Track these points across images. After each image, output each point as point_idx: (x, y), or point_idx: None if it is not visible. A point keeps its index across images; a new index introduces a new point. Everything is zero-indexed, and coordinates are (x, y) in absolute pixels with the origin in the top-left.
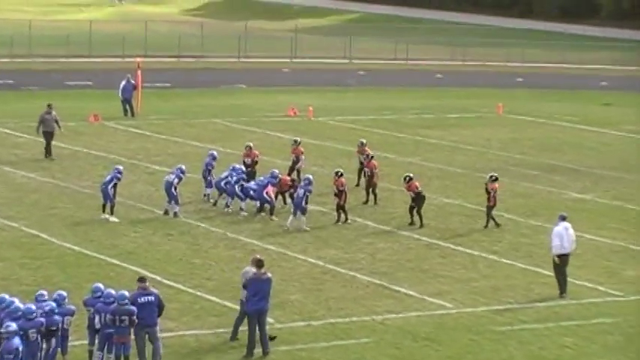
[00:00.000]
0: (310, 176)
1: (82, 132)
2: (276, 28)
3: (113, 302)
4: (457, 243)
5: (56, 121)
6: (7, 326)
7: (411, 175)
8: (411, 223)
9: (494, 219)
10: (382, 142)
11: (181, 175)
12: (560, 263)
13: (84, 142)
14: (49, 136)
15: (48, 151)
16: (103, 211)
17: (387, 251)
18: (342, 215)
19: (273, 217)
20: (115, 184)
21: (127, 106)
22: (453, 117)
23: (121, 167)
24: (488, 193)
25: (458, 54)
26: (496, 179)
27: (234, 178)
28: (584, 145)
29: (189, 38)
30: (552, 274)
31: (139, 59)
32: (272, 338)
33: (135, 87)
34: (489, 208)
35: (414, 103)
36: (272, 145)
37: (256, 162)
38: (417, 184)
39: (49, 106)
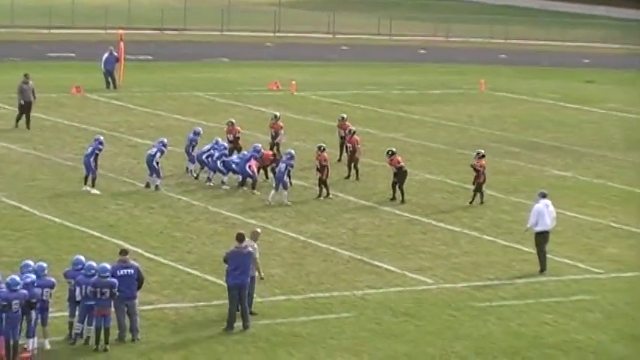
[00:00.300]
0: (292, 151)
1: (63, 103)
2: (260, 2)
3: (94, 275)
4: (438, 219)
5: (32, 91)
6: None
7: (394, 149)
8: (393, 199)
9: (482, 195)
10: (365, 118)
11: (163, 148)
12: (540, 240)
13: (65, 113)
14: (27, 106)
15: (27, 123)
16: (85, 183)
17: (368, 226)
18: (324, 190)
19: (255, 192)
20: (97, 155)
21: (109, 79)
22: (436, 93)
23: (101, 138)
24: (476, 170)
25: (441, 30)
26: (483, 156)
27: (217, 154)
28: (566, 122)
29: (172, 11)
30: (533, 251)
31: (121, 31)
32: (253, 314)
33: (117, 59)
34: (479, 185)
35: (397, 79)
36: (255, 119)
37: (238, 138)
38: (399, 159)
39: (25, 75)
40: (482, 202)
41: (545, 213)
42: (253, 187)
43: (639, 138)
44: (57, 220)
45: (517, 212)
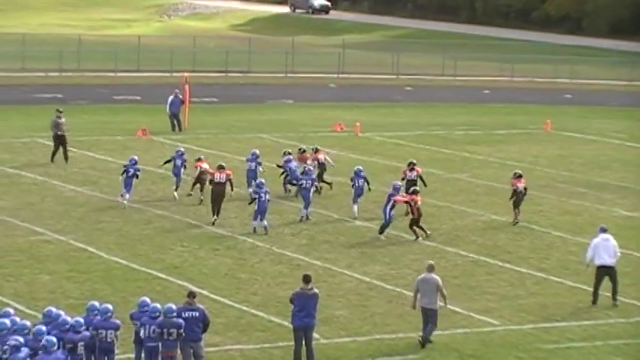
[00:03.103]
0: (311, 167)
1: (129, 146)
2: (323, 44)
3: (159, 316)
4: (504, 260)
5: (64, 126)
6: (14, 340)
7: (417, 189)
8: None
9: (516, 214)
10: (430, 159)
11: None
12: (599, 274)
13: (131, 156)
14: (62, 139)
15: (65, 156)
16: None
17: None
18: (419, 231)
19: (381, 236)
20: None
21: (175, 121)
22: (501, 133)
23: (182, 149)
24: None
25: (506, 70)
26: (520, 176)
27: (309, 183)
28: (633, 162)
29: (237, 53)
30: (600, 292)
31: (186, 74)
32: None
33: (182, 102)
34: (515, 204)
35: (462, 119)
36: None
37: (323, 163)
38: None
39: (58, 110)
40: (516, 222)
41: (602, 247)
42: (382, 231)
43: None
44: (123, 262)
45: (584, 253)
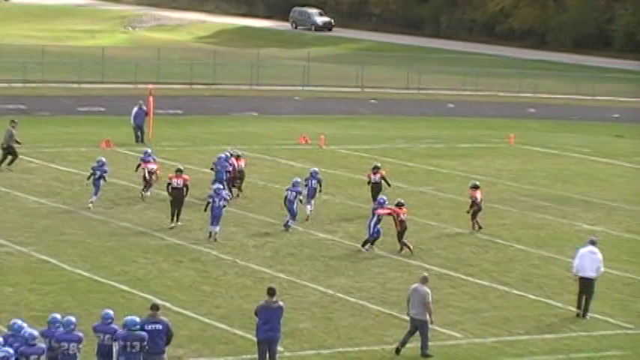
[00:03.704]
0: (298, 179)
1: (93, 158)
2: (289, 56)
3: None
4: (468, 273)
5: (13, 137)
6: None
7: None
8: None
9: (475, 224)
10: (394, 171)
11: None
12: (581, 285)
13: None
14: (14, 150)
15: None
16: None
17: (397, 280)
18: (404, 247)
19: (364, 248)
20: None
21: (139, 133)
22: (465, 147)
23: (103, 159)
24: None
25: (470, 84)
26: (477, 187)
27: (293, 194)
28: (596, 176)
29: (202, 65)
30: (563, 305)
31: (150, 86)
32: None
33: (147, 113)
34: (474, 213)
35: (426, 133)
36: (283, 173)
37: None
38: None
39: (13, 121)
40: (479, 228)
41: (586, 258)
42: (365, 244)
43: None
44: (86, 274)
45: (547, 266)
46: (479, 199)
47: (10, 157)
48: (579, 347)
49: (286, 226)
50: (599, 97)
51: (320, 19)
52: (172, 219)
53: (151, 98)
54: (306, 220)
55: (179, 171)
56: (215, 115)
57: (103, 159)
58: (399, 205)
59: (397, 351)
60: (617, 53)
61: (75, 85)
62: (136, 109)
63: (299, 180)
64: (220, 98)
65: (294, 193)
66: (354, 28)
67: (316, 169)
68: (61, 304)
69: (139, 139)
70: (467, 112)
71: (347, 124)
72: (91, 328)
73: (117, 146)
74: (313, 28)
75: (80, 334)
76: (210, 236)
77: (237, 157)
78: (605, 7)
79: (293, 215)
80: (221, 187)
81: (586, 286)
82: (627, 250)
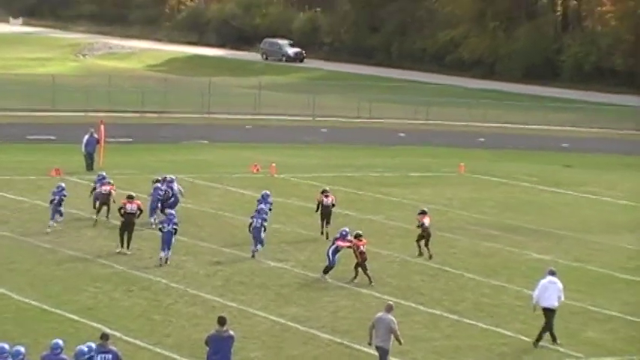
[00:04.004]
0: (263, 206)
1: (42, 186)
2: (240, 84)
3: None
4: (418, 302)
5: None
6: None
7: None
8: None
9: (425, 251)
10: (344, 200)
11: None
12: (546, 315)
13: (44, 196)
14: None
15: None
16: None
17: (348, 309)
18: (365, 277)
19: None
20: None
21: (90, 160)
22: (415, 175)
23: (63, 184)
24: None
25: (421, 113)
26: (424, 212)
27: (259, 221)
28: (544, 205)
29: (153, 93)
30: (513, 334)
31: (101, 114)
32: None
33: (98, 141)
34: (419, 238)
35: (377, 161)
36: (234, 201)
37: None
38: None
39: None
40: (429, 257)
41: (547, 289)
42: (326, 272)
43: (615, 221)
44: (35, 303)
45: (497, 295)
46: (426, 225)
47: None
48: None
49: (253, 254)
50: (548, 127)
51: (291, 50)
52: (122, 244)
53: (102, 126)
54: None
55: (130, 197)
56: (166, 143)
57: (63, 184)
58: (358, 236)
59: None
60: (565, 83)
61: (25, 113)
62: (87, 136)
63: (264, 207)
64: (171, 126)
65: (259, 221)
66: (305, 57)
67: (268, 192)
68: (9, 333)
69: (90, 166)
70: (417, 141)
71: (298, 153)
72: (40, 358)
73: (67, 174)
74: (284, 59)
75: None
76: (160, 261)
77: (170, 181)
78: (553, 38)
79: (260, 242)
80: (173, 212)
81: (547, 315)
82: (575, 280)
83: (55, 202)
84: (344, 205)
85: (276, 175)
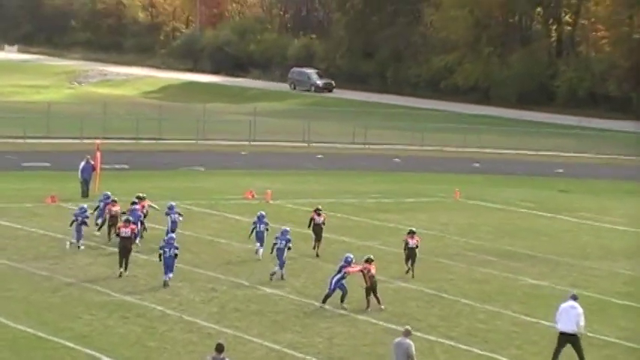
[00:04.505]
0: (287, 228)
1: (38, 213)
2: (235, 111)
3: None
4: (414, 327)
5: None
6: None
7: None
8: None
9: (409, 270)
10: (341, 226)
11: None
12: (560, 340)
13: (40, 223)
14: None
15: None
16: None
17: (343, 335)
18: (374, 300)
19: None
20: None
21: (85, 187)
22: (411, 201)
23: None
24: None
25: (416, 139)
26: (413, 233)
27: (283, 242)
28: (540, 231)
29: (148, 120)
30: (507, 359)
31: (98, 141)
32: None
33: (94, 168)
34: (406, 258)
35: (373, 187)
36: (231, 228)
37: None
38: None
39: None
40: (412, 276)
41: (565, 313)
42: (325, 300)
43: (612, 246)
44: (30, 330)
45: (492, 321)
46: (410, 244)
47: None
48: None
49: (271, 277)
50: (543, 152)
51: (320, 81)
52: (120, 266)
53: (98, 153)
54: (258, 260)
55: (127, 221)
56: (161, 169)
57: (85, 206)
58: (369, 260)
59: None
60: (560, 108)
61: (20, 141)
62: (83, 163)
63: (288, 229)
64: (166, 153)
65: (283, 242)
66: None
67: (263, 213)
68: None
69: (85, 193)
70: (413, 166)
71: (293, 179)
72: None
73: (62, 201)
74: (313, 89)
75: None
76: (165, 285)
77: (141, 200)
78: (548, 64)
79: (282, 264)
80: (173, 236)
81: (568, 341)
82: None
83: (78, 222)
84: (341, 231)
85: (271, 202)
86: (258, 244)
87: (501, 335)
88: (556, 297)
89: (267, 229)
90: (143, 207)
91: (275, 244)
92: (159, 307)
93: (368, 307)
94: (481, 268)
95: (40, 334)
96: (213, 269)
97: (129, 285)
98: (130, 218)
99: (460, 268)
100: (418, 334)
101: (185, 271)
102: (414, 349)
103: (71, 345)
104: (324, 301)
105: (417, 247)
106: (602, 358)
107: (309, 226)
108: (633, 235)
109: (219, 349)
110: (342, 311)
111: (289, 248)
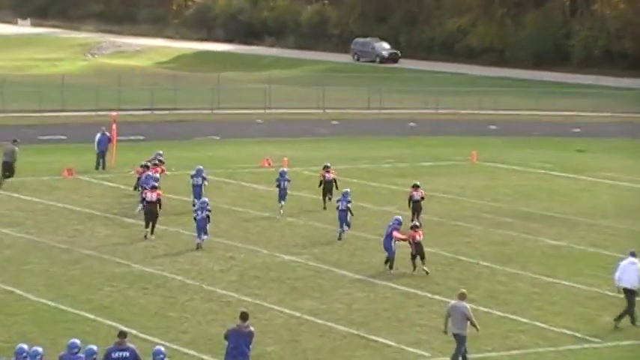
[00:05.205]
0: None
1: (55, 186)
2: (249, 79)
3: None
4: (434, 292)
5: (13, 154)
6: None
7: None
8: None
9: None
10: (358, 192)
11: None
12: (627, 295)
13: (58, 196)
14: (12, 167)
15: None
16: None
17: (363, 301)
18: (419, 263)
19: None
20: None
21: (101, 159)
22: (427, 165)
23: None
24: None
25: (431, 102)
26: (417, 186)
27: (344, 204)
28: (558, 191)
29: (162, 91)
30: (529, 321)
31: (114, 113)
32: None
33: (110, 140)
34: (412, 211)
35: (389, 152)
36: (248, 196)
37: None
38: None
39: (15, 141)
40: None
41: (628, 270)
42: (388, 264)
43: (631, 205)
44: (51, 303)
45: (512, 283)
46: (415, 197)
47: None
48: None
49: (340, 236)
50: (559, 113)
51: (386, 51)
52: (147, 227)
53: (114, 125)
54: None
55: (154, 187)
56: (177, 139)
57: (201, 167)
58: (414, 227)
59: None
60: (575, 68)
61: (36, 114)
62: (99, 135)
63: (349, 190)
64: (182, 123)
65: (344, 203)
66: (314, 50)
67: (285, 169)
68: (26, 334)
69: (101, 165)
70: (428, 130)
71: (309, 146)
72: (58, 357)
73: (79, 174)
74: (378, 59)
75: None
76: (197, 248)
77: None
78: (562, 24)
79: (347, 225)
80: (206, 200)
81: (626, 296)
82: (591, 265)
83: (199, 183)
84: (358, 197)
85: (288, 169)
86: (283, 202)
87: (521, 297)
88: (575, 257)
89: (288, 180)
90: (159, 172)
91: (337, 207)
92: (178, 277)
93: (414, 269)
94: (499, 230)
95: (61, 306)
96: (231, 238)
97: (148, 256)
98: (156, 184)
99: (478, 230)
100: (438, 297)
101: (204, 240)
102: (470, 311)
103: (92, 317)
104: (390, 267)
105: (422, 199)
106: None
107: (319, 185)
108: None
109: (244, 317)
110: (361, 276)
111: (350, 210)
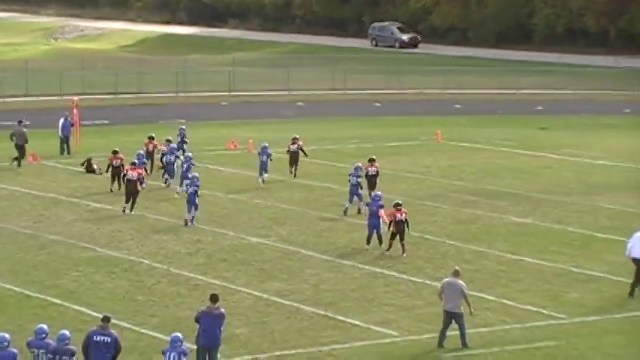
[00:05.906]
0: (359, 164)
1: (19, 172)
2: (214, 62)
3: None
4: (401, 271)
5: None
6: None
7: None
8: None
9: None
10: (323, 173)
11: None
12: (636, 267)
13: (22, 182)
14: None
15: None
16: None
17: (331, 281)
18: (399, 246)
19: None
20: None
21: (65, 145)
22: (393, 145)
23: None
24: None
25: (395, 82)
26: (373, 160)
27: (355, 179)
28: (522, 169)
29: (126, 74)
30: (496, 299)
31: (75, 97)
32: None
33: (72, 124)
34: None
35: (354, 133)
36: (213, 179)
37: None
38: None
39: (21, 121)
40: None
41: (637, 241)
42: (387, 245)
43: (594, 182)
44: (17, 289)
45: (478, 261)
46: (370, 172)
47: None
48: (513, 339)
49: (355, 210)
50: (522, 91)
51: (405, 36)
52: (126, 203)
53: (75, 110)
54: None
55: (133, 164)
56: (142, 123)
57: (191, 155)
58: (397, 205)
59: (440, 345)
60: (538, 46)
61: None
62: (62, 120)
63: (360, 165)
64: (147, 106)
65: (355, 178)
66: (278, 32)
67: (266, 144)
68: None
69: (66, 150)
70: (393, 110)
71: (275, 127)
72: (25, 343)
73: (43, 159)
74: (397, 44)
75: (14, 350)
76: (185, 224)
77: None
78: (524, 2)
79: (360, 197)
80: (196, 175)
81: (636, 266)
82: (556, 241)
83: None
84: (324, 178)
85: (253, 151)
86: (264, 174)
87: (487, 275)
88: (540, 234)
89: (270, 160)
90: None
91: (349, 180)
92: (145, 261)
93: (389, 249)
94: (465, 209)
95: (27, 292)
96: (198, 220)
97: (114, 240)
98: (136, 161)
99: (444, 209)
100: (404, 276)
101: (170, 224)
102: (466, 288)
103: (59, 302)
104: (388, 249)
105: (377, 174)
106: (588, 292)
107: (287, 151)
108: (614, 170)
109: (214, 299)
110: (328, 257)
111: (360, 185)
